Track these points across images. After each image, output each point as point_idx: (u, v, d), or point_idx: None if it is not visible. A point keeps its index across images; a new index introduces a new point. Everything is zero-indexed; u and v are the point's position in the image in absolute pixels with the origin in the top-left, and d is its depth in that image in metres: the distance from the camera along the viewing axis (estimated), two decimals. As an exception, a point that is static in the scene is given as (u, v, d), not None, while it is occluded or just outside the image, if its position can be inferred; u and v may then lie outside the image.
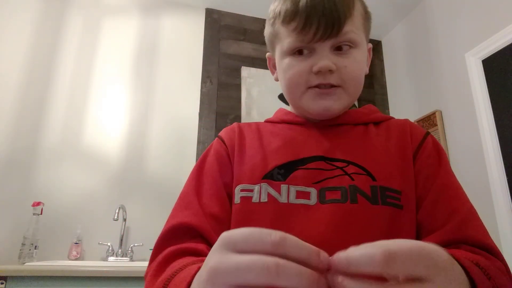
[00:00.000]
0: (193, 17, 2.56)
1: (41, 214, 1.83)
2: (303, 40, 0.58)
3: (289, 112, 0.69)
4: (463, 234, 0.51)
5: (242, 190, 0.58)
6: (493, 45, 1.94)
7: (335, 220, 0.53)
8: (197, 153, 2.26)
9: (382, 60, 2.91)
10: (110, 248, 1.94)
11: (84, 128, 2.13)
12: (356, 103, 2.63)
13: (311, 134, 0.63)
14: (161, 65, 2.39)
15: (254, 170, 0.59)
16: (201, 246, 0.51)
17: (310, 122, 0.65)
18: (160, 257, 0.50)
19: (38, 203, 1.83)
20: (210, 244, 0.53)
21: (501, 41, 1.89)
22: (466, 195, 0.58)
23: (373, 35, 2.91)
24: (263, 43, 0.69)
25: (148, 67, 2.36)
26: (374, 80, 2.84)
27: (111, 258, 1.91)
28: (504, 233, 1.77)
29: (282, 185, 0.57)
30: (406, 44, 2.67)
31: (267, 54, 0.71)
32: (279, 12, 0.61)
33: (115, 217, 1.87)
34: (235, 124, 0.69)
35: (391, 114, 2.73)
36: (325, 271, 0.29)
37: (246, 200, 0.57)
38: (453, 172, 0.60)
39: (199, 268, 0.37)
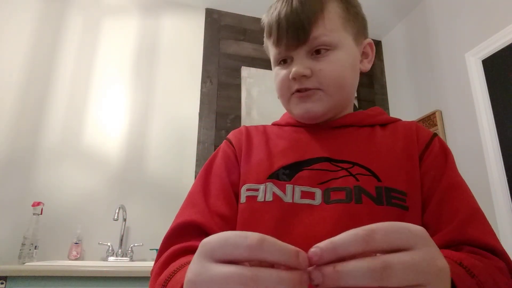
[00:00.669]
0: (193, 17, 2.56)
1: (41, 214, 1.83)
2: (280, 52, 0.63)
3: None
4: (464, 234, 0.50)
5: (248, 190, 0.59)
6: (493, 45, 1.94)
7: (340, 220, 0.53)
8: (197, 153, 2.26)
9: (382, 60, 2.91)
10: (110, 248, 1.94)
11: (84, 128, 2.13)
12: (356, 103, 2.63)
13: (317, 136, 0.64)
14: (161, 65, 2.39)
15: (259, 170, 0.61)
16: None
17: (314, 125, 0.66)
18: (164, 255, 0.51)
19: (38, 203, 1.83)
20: None
21: (501, 41, 1.89)
22: (472, 195, 0.57)
23: (373, 35, 2.91)
24: (263, 43, 0.70)
25: (148, 67, 2.36)
26: (374, 80, 2.84)
27: (111, 258, 1.91)
28: (504, 233, 1.77)
29: (287, 185, 0.58)
30: (406, 44, 2.67)
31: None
32: (264, 27, 0.67)
33: (115, 217, 1.87)
34: (243, 126, 0.71)
35: (391, 114, 2.73)
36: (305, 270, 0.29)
37: (251, 199, 0.58)
38: (459, 173, 0.60)
39: None
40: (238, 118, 2.39)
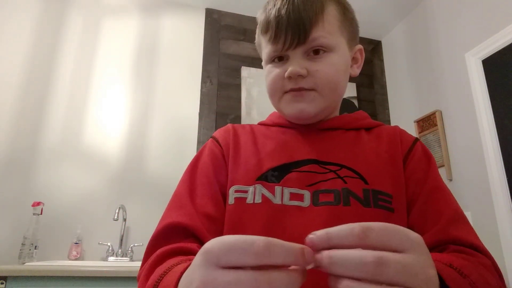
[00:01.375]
0: (193, 17, 2.56)
1: (41, 214, 1.83)
2: (276, 49, 0.62)
3: (282, 116, 0.70)
4: (450, 234, 0.53)
5: (236, 191, 0.59)
6: (493, 45, 1.94)
7: (328, 222, 0.53)
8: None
9: (382, 60, 2.91)
10: (110, 248, 1.94)
11: (84, 128, 2.13)
12: (356, 103, 2.63)
13: (304, 137, 0.64)
14: (161, 65, 2.39)
15: (248, 171, 0.60)
16: (193, 246, 0.52)
17: (302, 126, 0.66)
18: (151, 258, 0.50)
19: (38, 203, 1.83)
20: (203, 244, 0.53)
21: (501, 41, 1.89)
22: (454, 197, 0.60)
23: (373, 35, 2.91)
24: (262, 42, 0.71)
25: (148, 67, 2.36)
26: (374, 80, 2.84)
27: (111, 258, 1.91)
28: (504, 233, 1.77)
29: (276, 186, 0.58)
30: (406, 44, 2.67)
31: (262, 62, 0.73)
32: (259, 23, 0.66)
33: (115, 217, 1.87)
34: (229, 125, 0.70)
35: (391, 114, 2.73)
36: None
37: (240, 201, 0.58)
38: (440, 177, 0.62)
39: (184, 268, 0.37)
40: (238, 118, 2.39)
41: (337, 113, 0.70)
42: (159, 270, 0.45)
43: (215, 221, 0.57)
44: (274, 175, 0.59)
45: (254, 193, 0.58)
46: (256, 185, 0.58)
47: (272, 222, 0.55)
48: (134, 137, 2.20)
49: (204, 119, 2.35)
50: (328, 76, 0.61)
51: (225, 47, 2.56)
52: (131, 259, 1.94)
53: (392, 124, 2.67)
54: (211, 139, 0.68)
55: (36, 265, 1.48)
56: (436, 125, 2.24)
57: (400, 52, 2.74)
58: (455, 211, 0.57)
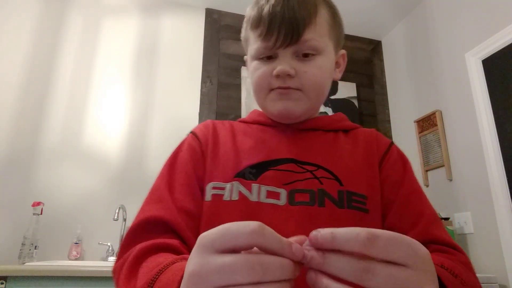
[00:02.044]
0: (193, 17, 2.56)
1: (41, 214, 1.83)
2: (266, 46, 0.61)
3: (262, 114, 0.71)
4: (431, 234, 0.56)
5: (213, 188, 0.59)
6: (493, 45, 1.94)
7: (303, 222, 0.55)
8: (197, 153, 2.26)
9: (382, 60, 2.91)
10: (110, 248, 1.94)
11: (84, 128, 2.13)
12: (356, 103, 2.63)
13: (283, 136, 0.65)
14: (161, 65, 2.39)
15: (226, 168, 0.60)
16: (174, 242, 0.51)
17: (282, 125, 0.66)
18: (133, 253, 0.49)
19: (38, 203, 1.83)
20: (182, 240, 0.53)
21: (501, 41, 1.89)
22: (428, 199, 0.63)
23: (373, 35, 2.91)
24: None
25: (148, 67, 2.36)
26: (374, 80, 2.84)
27: (111, 258, 1.91)
28: (504, 233, 1.77)
29: (253, 184, 0.58)
30: (406, 44, 2.67)
31: (245, 57, 0.72)
32: (249, 18, 0.65)
33: (115, 217, 1.87)
34: (209, 121, 0.70)
35: (391, 114, 2.73)
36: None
37: (217, 197, 0.58)
38: (416, 179, 0.65)
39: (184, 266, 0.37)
40: (238, 118, 2.38)
41: (317, 114, 0.71)
42: (150, 268, 0.44)
43: (194, 217, 0.57)
44: (252, 172, 0.59)
45: (231, 190, 0.58)
46: (233, 182, 0.58)
47: (248, 218, 0.53)
48: (134, 137, 2.20)
49: (204, 119, 2.35)
50: (315, 78, 0.62)
51: (225, 47, 2.56)
52: (131, 259, 1.94)
53: (392, 124, 2.68)
54: (190, 134, 0.68)
55: (36, 265, 1.48)
56: (436, 125, 2.24)
57: (400, 52, 2.74)
58: (433, 213, 0.60)
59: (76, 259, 1.86)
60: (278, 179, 0.59)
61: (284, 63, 0.60)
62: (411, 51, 2.62)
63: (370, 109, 2.73)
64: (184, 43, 2.48)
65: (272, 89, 0.62)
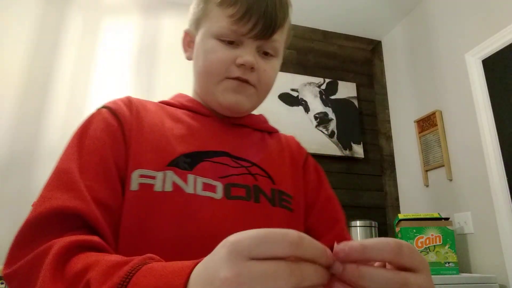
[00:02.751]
0: (193, 17, 2.56)
1: (41, 214, 1.83)
2: (235, 30, 0.57)
3: (193, 100, 0.67)
4: (344, 239, 0.60)
5: (141, 176, 0.52)
6: (493, 45, 1.94)
7: (241, 217, 0.54)
8: (197, 153, 2.26)
9: (382, 60, 2.91)
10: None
11: (84, 128, 2.13)
12: (356, 103, 2.63)
13: (216, 128, 0.62)
14: (161, 65, 2.39)
15: (157, 155, 0.54)
16: (96, 239, 0.43)
17: (215, 116, 0.64)
18: (54, 252, 0.39)
19: (38, 203, 1.83)
20: (101, 237, 0.45)
21: (501, 41, 1.89)
22: (340, 205, 0.70)
23: (373, 35, 2.91)
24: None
25: (148, 67, 2.36)
26: (374, 80, 2.84)
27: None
28: (504, 233, 1.77)
29: (188, 174, 0.54)
30: (406, 44, 2.67)
31: (186, 29, 0.68)
32: None
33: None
34: (128, 97, 0.61)
35: (391, 114, 2.73)
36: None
37: (146, 187, 0.51)
38: (329, 185, 0.71)
39: (162, 268, 0.32)
40: (238, 118, 2.39)
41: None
42: (104, 271, 0.35)
43: (110, 209, 0.49)
44: (187, 161, 0.55)
45: (164, 180, 0.52)
46: (166, 171, 0.53)
47: (183, 212, 0.51)
48: (134, 137, 2.20)
49: (204, 119, 2.35)
50: (270, 78, 0.63)
51: (225, 47, 2.56)
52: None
53: (392, 124, 2.69)
54: (105, 109, 0.57)
55: (36, 265, 1.47)
56: (436, 125, 2.24)
57: (400, 52, 2.74)
58: (344, 218, 0.67)
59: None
60: (214, 171, 0.56)
61: (250, 55, 0.58)
62: (411, 51, 2.62)
63: (370, 109, 2.73)
64: (184, 43, 2.48)
65: (228, 78, 0.59)
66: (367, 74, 2.83)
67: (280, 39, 0.62)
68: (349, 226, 2.11)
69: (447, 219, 1.88)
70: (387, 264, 0.34)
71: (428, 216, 1.86)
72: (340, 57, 2.78)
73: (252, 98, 0.62)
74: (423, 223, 1.83)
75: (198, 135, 0.60)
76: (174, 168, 0.53)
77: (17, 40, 2.16)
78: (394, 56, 2.80)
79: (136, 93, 2.28)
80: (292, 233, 0.28)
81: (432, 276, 0.34)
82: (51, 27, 2.24)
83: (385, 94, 2.82)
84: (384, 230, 2.42)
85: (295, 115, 2.43)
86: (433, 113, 2.28)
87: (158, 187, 0.52)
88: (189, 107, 0.65)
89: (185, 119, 0.62)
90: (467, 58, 2.08)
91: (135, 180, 0.52)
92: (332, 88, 2.61)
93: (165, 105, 0.65)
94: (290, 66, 2.60)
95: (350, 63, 2.79)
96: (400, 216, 1.88)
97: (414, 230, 1.82)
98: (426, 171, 2.31)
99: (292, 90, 2.49)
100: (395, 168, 2.63)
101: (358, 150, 2.51)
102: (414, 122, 2.44)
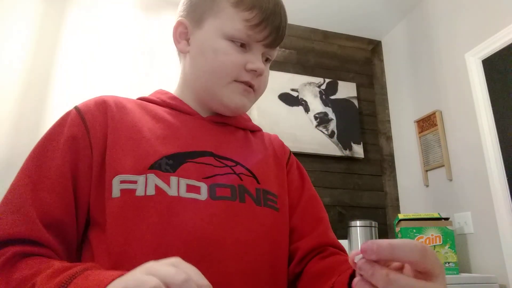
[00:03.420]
0: (193, 17, 2.56)
1: (41, 214, 1.83)
2: (250, 35, 0.58)
3: (175, 97, 0.65)
4: (328, 238, 0.63)
5: (122, 182, 0.51)
6: (493, 45, 1.94)
7: (226, 217, 0.54)
8: (197, 153, 2.26)
9: (382, 60, 2.91)
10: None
11: (84, 128, 2.13)
12: (356, 103, 2.63)
13: (199, 127, 0.61)
14: (161, 65, 2.39)
15: (137, 158, 0.53)
16: (42, 250, 0.45)
17: (198, 114, 0.64)
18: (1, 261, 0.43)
19: (38, 203, 1.83)
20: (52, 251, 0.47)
21: (501, 41, 1.89)
22: (322, 203, 0.70)
23: (373, 35, 2.91)
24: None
25: (148, 67, 2.36)
26: (374, 80, 2.84)
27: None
28: (504, 233, 1.77)
29: (171, 176, 0.52)
30: (406, 44, 2.67)
31: (181, 19, 0.64)
32: None
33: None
34: (102, 99, 0.58)
35: (391, 114, 2.73)
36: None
37: (128, 193, 0.50)
38: (312, 184, 0.71)
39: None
40: (238, 118, 2.38)
41: None
42: (57, 278, 0.39)
43: (65, 226, 0.49)
44: (169, 163, 0.53)
45: (146, 184, 0.51)
46: (148, 174, 0.51)
47: (167, 215, 0.50)
48: (134, 137, 2.20)
49: (204, 119, 2.35)
50: (266, 83, 0.65)
51: (225, 47, 2.56)
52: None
53: (392, 124, 2.68)
54: (75, 112, 0.55)
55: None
56: (436, 125, 2.24)
57: (400, 52, 2.74)
58: (327, 217, 0.68)
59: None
60: (197, 172, 0.55)
61: (260, 62, 0.60)
62: (411, 51, 2.62)
63: (370, 109, 2.73)
64: (184, 43, 2.48)
65: (236, 81, 0.60)
66: (367, 74, 2.83)
67: (278, 48, 0.65)
68: (349, 226, 2.11)
69: (447, 219, 1.88)
70: (405, 265, 0.35)
71: (428, 216, 1.86)
72: (340, 57, 2.78)
73: (251, 102, 0.64)
74: (423, 223, 1.83)
75: (180, 135, 0.58)
76: (156, 171, 0.52)
77: (17, 40, 2.16)
78: (394, 56, 2.80)
79: (136, 93, 2.28)
80: (152, 282, 0.30)
81: (432, 276, 0.35)
82: (51, 26, 2.24)
83: (385, 94, 2.82)
84: (384, 230, 2.42)
85: (295, 115, 2.43)
86: (433, 113, 2.28)
87: (140, 191, 0.50)
88: (171, 105, 0.63)
89: (166, 117, 0.60)
90: (467, 58, 2.08)
91: (116, 186, 0.51)
92: (332, 88, 2.61)
93: (145, 102, 0.63)
94: (290, 66, 2.60)
95: (350, 63, 2.79)
96: (400, 216, 1.88)
97: (414, 230, 1.82)
98: (426, 171, 2.31)
99: (292, 90, 2.49)
100: (395, 168, 2.63)
101: (358, 150, 2.51)
102: (414, 122, 2.44)
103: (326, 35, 2.80)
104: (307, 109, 2.48)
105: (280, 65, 2.54)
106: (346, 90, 2.64)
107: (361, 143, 2.54)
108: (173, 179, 0.52)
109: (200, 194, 0.53)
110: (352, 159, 2.52)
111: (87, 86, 2.23)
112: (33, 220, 0.46)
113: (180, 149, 0.56)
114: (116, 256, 0.48)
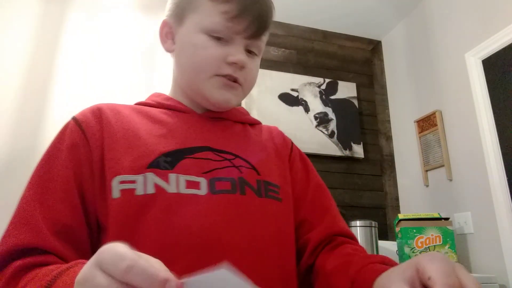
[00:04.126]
0: (193, 17, 2.56)
1: (41, 214, 1.83)
2: (230, 27, 0.57)
3: (170, 98, 0.66)
4: (337, 227, 0.62)
5: (122, 182, 0.51)
6: (493, 45, 1.94)
7: (227, 211, 0.53)
8: (197, 153, 2.26)
9: (382, 60, 2.91)
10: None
11: (84, 128, 2.13)
12: (356, 103, 2.63)
13: (195, 124, 0.62)
14: (161, 65, 2.39)
15: (135, 158, 0.53)
16: (48, 258, 0.46)
17: (194, 112, 0.64)
18: (6, 276, 0.44)
19: (38, 203, 1.83)
20: (60, 259, 0.48)
21: (501, 41, 1.89)
22: (328, 191, 0.69)
23: (373, 35, 2.91)
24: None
25: (148, 67, 2.36)
26: (374, 80, 2.84)
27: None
28: (504, 233, 1.77)
29: (170, 174, 0.53)
30: (406, 44, 2.67)
31: (165, 19, 0.66)
32: None
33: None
34: (97, 107, 0.61)
35: (391, 114, 2.73)
36: None
37: (127, 193, 0.51)
38: (317, 172, 0.70)
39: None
40: (238, 118, 2.38)
41: None
42: (41, 277, 0.41)
43: (74, 231, 0.50)
44: (167, 161, 0.54)
45: (145, 183, 0.51)
46: (146, 173, 0.52)
47: (168, 212, 0.50)
48: (134, 137, 2.20)
49: (204, 119, 2.35)
50: (254, 77, 0.64)
51: (225, 47, 2.56)
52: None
53: (393, 124, 2.68)
54: (73, 123, 0.59)
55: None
56: (436, 125, 2.24)
57: (400, 52, 2.74)
58: (335, 204, 0.67)
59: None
60: (196, 167, 0.55)
61: (242, 54, 0.59)
62: (411, 51, 2.62)
63: (370, 109, 2.73)
64: (184, 43, 2.48)
65: (217, 75, 0.59)
66: (367, 74, 2.83)
67: (264, 39, 0.63)
68: (349, 226, 2.10)
69: (447, 219, 1.88)
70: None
71: (428, 216, 1.86)
72: (340, 57, 2.78)
73: (238, 97, 0.63)
74: (423, 223, 1.83)
75: (177, 132, 0.59)
76: (154, 169, 0.53)
77: (17, 40, 2.16)
78: (394, 56, 2.80)
79: (136, 93, 2.28)
80: (124, 262, 0.29)
81: (432, 277, 0.35)
82: (51, 26, 2.24)
83: (385, 94, 2.82)
84: (384, 230, 2.42)
85: (295, 115, 2.43)
86: (433, 113, 2.28)
87: (139, 190, 0.51)
88: (166, 106, 0.64)
89: (163, 118, 0.61)
90: (467, 58, 2.08)
91: (116, 187, 0.51)
92: (332, 88, 2.61)
93: (141, 106, 0.64)
94: (290, 66, 2.60)
95: (350, 63, 2.79)
96: (400, 216, 1.88)
97: (414, 230, 1.82)
98: (426, 171, 2.31)
99: (292, 90, 2.49)
100: (395, 168, 2.63)
101: (358, 150, 2.51)
102: (414, 122, 2.44)
103: (326, 35, 2.79)
104: (307, 109, 2.48)
105: (280, 65, 2.54)
106: (346, 90, 2.64)
107: (361, 143, 2.54)
108: (172, 176, 0.52)
109: (200, 189, 0.53)
110: (352, 159, 2.52)
111: (87, 86, 2.23)
112: (41, 230, 0.47)
113: (177, 146, 0.56)
114: None
